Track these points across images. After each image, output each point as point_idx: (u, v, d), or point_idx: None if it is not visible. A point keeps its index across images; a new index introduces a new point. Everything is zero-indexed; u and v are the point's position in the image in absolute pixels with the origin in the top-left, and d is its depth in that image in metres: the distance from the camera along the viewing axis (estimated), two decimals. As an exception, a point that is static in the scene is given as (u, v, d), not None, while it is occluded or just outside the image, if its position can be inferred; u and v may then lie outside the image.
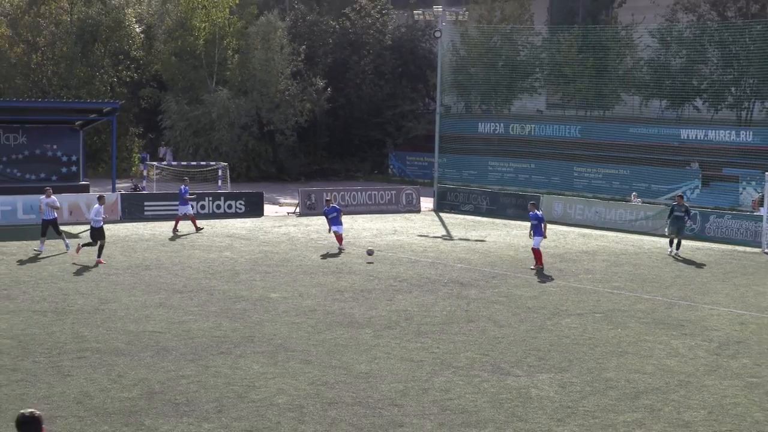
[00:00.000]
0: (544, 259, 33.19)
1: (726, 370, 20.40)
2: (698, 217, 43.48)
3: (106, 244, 33.15)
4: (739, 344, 22.86)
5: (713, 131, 59.88)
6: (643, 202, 49.07)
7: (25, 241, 36.88)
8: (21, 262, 32.77)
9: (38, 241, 34.81)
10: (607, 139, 63.81)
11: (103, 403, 17.08)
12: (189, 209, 42.84)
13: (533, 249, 32.93)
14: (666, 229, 38.92)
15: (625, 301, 28.02)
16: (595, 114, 68.13)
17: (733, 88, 60.93)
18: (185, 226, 41.87)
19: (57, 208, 35.81)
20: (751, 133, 58.09)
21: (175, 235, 40.83)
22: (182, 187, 44.52)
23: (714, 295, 29.51)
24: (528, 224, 34.45)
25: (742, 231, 41.74)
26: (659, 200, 50.57)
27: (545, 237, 33.25)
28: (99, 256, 32.41)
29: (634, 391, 18.65)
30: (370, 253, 26.18)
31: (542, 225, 33.03)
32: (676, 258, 36.66)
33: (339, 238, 36.77)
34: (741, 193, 50.34)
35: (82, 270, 31.53)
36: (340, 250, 35.93)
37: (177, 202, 46.15)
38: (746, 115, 61.15)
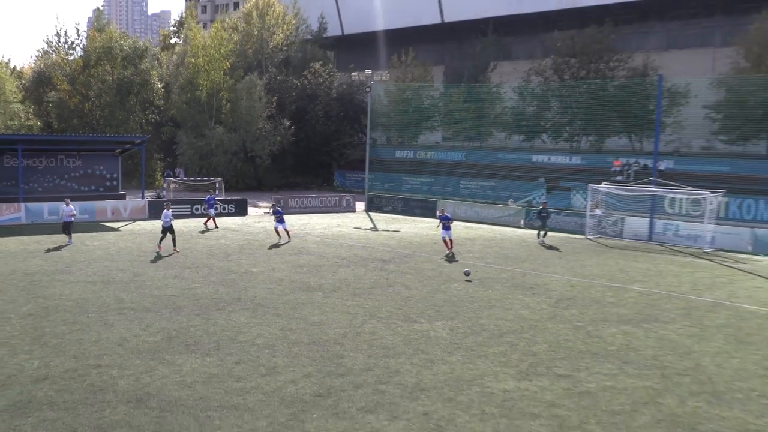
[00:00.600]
0: (440, 245, 33.48)
1: (561, 318, 20.81)
2: (536, 214, 44.19)
3: (173, 236, 32.05)
4: (569, 300, 23.29)
5: (554, 156, 60.67)
6: (516, 205, 49.57)
7: (79, 234, 36.34)
8: (77, 249, 32.32)
9: (70, 236, 33.93)
10: (483, 162, 64.29)
11: (136, 344, 17.06)
12: (212, 211, 42.44)
13: (443, 239, 32.75)
14: (535, 224, 39.49)
15: (494, 272, 28.34)
16: (475, 144, 68.64)
17: (567, 128, 61.76)
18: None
19: (73, 215, 34.41)
20: (579, 157, 59.02)
21: (206, 229, 40.42)
22: (209, 196, 44.47)
23: (553, 267, 29.99)
24: (437, 221, 34.41)
25: (572, 224, 42.47)
26: (519, 204, 51.02)
27: (450, 230, 32.82)
28: (174, 245, 31.69)
29: (499, 332, 18.98)
30: (467, 273, 25.77)
31: (450, 222, 33.05)
32: (542, 244, 36.78)
33: (278, 231, 35.89)
34: (572, 198, 51.04)
35: (121, 253, 31.23)
36: (287, 240, 35.37)
37: (188, 206, 46.04)
38: (576, 145, 62.08)
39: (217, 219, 42.50)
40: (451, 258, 31.09)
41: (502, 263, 30.54)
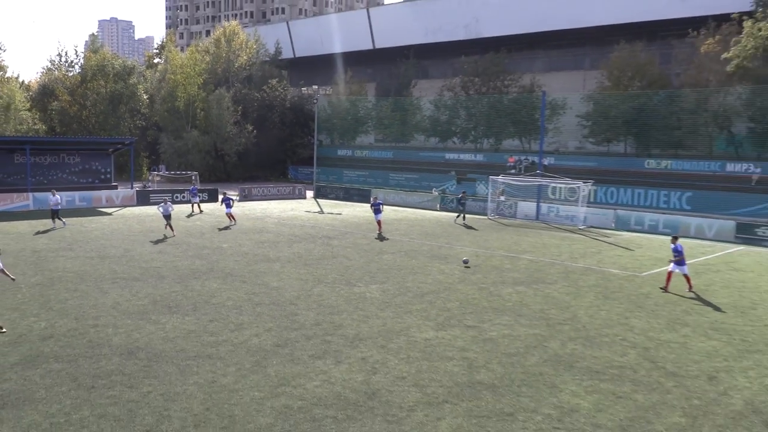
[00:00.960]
0: (373, 225, 33.44)
1: (469, 281, 21.02)
2: (459, 201, 44.44)
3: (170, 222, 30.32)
4: (475, 267, 23.53)
5: (462, 154, 61.18)
6: (437, 193, 49.81)
7: (78, 218, 35.20)
8: (77, 230, 31.29)
9: (62, 221, 32.16)
10: (406, 159, 64.47)
11: (127, 307, 16.62)
12: (196, 199, 40.99)
13: (377, 221, 32.19)
14: (457, 209, 38.96)
15: (416, 245, 28.44)
16: (400, 145, 68.70)
17: (472, 132, 62.25)
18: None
19: (58, 203, 32.23)
20: (482, 155, 59.61)
21: (192, 213, 39.12)
22: (192, 187, 43.63)
23: (463, 241, 30.25)
24: (370, 207, 34.03)
25: (477, 207, 42.85)
26: (434, 192, 51.28)
27: (380, 213, 32.32)
28: (172, 230, 29.73)
29: (421, 292, 19.07)
30: (466, 262, 24.15)
31: (381, 207, 32.67)
32: (465, 225, 36.13)
33: (230, 216, 34.33)
34: (477, 187, 51.51)
35: (114, 233, 30.32)
36: (232, 225, 33.87)
37: (170, 195, 44.82)
38: (479, 146, 62.66)
39: (190, 205, 41.52)
40: (381, 237, 30.92)
41: (423, 239, 30.65)
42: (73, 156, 44.97)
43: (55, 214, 32.24)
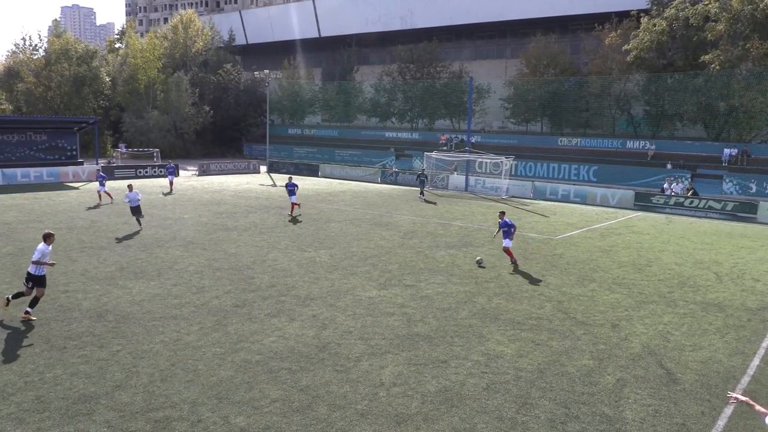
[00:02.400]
0: (320, 196, 33.07)
1: (407, 246, 21.11)
2: (397, 174, 44.41)
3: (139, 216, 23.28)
4: (413, 233, 23.65)
5: (400, 133, 61.15)
6: (378, 167, 49.60)
7: (46, 192, 33.64)
8: (45, 203, 29.90)
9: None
10: (350, 137, 64.04)
11: (95, 274, 16.05)
12: (172, 177, 37.19)
13: (292, 203, 27.36)
14: (418, 184, 36.61)
15: (359, 214, 28.34)
16: (345, 124, 68.12)
17: (408, 113, 62.21)
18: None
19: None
20: (417, 134, 59.76)
21: (170, 192, 32.57)
22: (168, 165, 38.51)
23: (402, 210, 30.29)
24: (285, 187, 28.22)
25: (409, 180, 42.87)
26: (376, 166, 51.15)
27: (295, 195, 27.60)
28: (139, 224, 23.18)
29: (364, 256, 19.06)
30: (480, 262, 18.38)
31: (295, 189, 27.38)
32: (426, 200, 34.27)
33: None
34: (413, 162, 51.64)
35: (81, 206, 29.10)
36: (169, 192, 31.96)
37: (133, 170, 43.29)
38: (415, 125, 62.72)
39: (152, 179, 40.00)
40: (294, 219, 26.09)
41: (366, 208, 30.56)
42: (39, 134, 42.77)
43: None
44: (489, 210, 31.21)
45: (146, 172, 44.81)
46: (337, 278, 16.26)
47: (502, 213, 18.96)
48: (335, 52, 73.22)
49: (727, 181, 38.94)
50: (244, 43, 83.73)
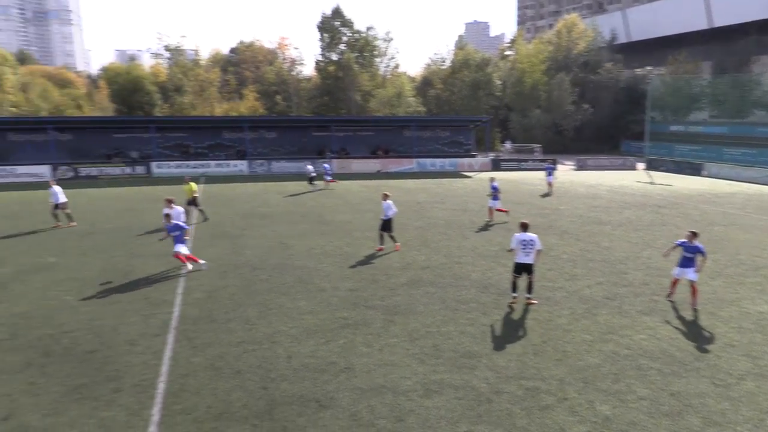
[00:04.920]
0: (703, 197, 29.10)
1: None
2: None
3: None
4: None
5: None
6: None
7: (448, 179, 37.33)
8: (446, 188, 33.38)
9: (313, 185, 31.84)
10: (743, 134, 54.39)
11: (482, 251, 17.30)
12: (551, 179, 32.06)
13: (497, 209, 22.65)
14: None
15: (753, 219, 23.95)
16: (737, 121, 58.08)
17: None
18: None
19: (313, 171, 29.91)
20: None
21: (547, 194, 31.98)
22: (547, 165, 33.22)
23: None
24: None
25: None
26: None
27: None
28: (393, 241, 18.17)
29: (755, 265, 16.09)
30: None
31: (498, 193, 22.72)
32: None
33: (549, 185, 30.12)
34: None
35: (474, 192, 31.61)
36: (547, 194, 29.88)
37: (516, 163, 44.98)
38: None
39: (531, 172, 41.11)
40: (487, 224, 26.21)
41: (759, 213, 25.17)
42: (444, 131, 48.55)
43: (311, 180, 32.58)
44: None
45: (528, 165, 46.88)
46: (720, 286, 14.10)
47: None
48: (728, 42, 63.07)
49: None
50: (626, 41, 78.95)
